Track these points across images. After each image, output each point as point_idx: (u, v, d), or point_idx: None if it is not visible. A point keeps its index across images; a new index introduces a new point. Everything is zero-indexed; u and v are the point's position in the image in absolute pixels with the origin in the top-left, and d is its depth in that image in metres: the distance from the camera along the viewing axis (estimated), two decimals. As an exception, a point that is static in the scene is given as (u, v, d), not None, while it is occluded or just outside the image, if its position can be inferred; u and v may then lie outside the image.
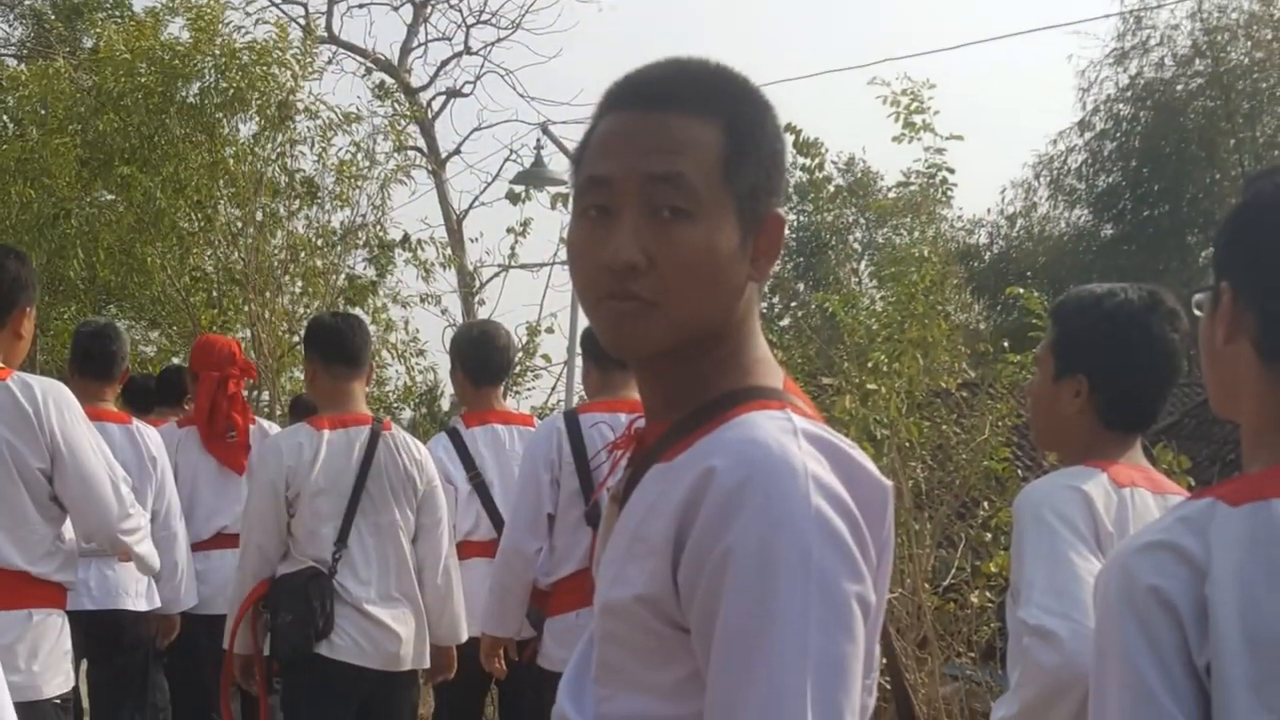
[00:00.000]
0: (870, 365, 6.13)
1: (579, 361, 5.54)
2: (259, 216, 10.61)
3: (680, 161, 1.41)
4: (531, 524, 4.23)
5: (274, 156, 10.84)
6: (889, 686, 1.90)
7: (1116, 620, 1.34)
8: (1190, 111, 28.16)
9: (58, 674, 3.66)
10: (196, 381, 5.65)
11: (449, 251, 12.16)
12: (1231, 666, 1.28)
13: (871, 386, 6.00)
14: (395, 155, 11.46)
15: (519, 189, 11.60)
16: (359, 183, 10.94)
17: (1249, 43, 27.19)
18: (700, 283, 1.42)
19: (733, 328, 1.47)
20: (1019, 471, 6.53)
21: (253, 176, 10.58)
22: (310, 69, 11.24)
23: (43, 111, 12.23)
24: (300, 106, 10.86)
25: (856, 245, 25.73)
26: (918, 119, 6.93)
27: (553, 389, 11.54)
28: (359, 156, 10.96)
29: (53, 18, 19.22)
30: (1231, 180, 26.32)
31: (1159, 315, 2.52)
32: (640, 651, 1.41)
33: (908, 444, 6.05)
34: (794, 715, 1.28)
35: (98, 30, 13.77)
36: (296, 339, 9.88)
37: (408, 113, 12.80)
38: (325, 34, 15.97)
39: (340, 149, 11.02)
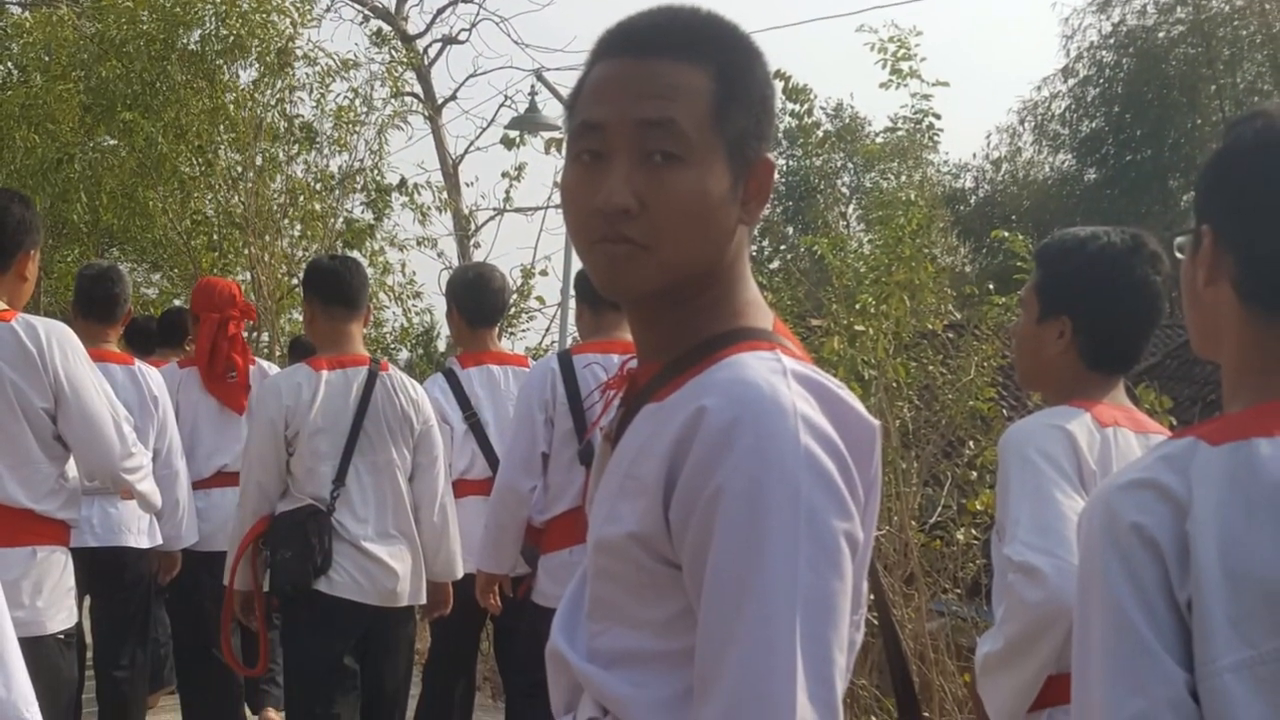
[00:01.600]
0: (858, 307, 6.15)
1: (572, 303, 5.54)
2: (259, 161, 10.64)
3: (671, 107, 1.42)
4: (526, 463, 4.27)
5: (273, 102, 10.87)
6: (876, 622, 1.93)
7: (1099, 557, 1.35)
8: (1172, 58, 28.24)
9: (61, 610, 3.70)
10: (197, 323, 5.65)
11: (445, 195, 12.16)
12: (1212, 602, 1.28)
13: (859, 328, 6.02)
14: (392, 101, 11.54)
15: (514, 134, 11.59)
16: (357, 128, 11.00)
17: (1229, -10, 27.22)
18: (691, 226, 1.43)
19: (723, 270, 1.49)
20: (1004, 411, 6.58)
21: (252, 122, 10.60)
22: (309, 16, 11.27)
23: (46, 58, 12.24)
24: (299, 53, 10.90)
25: (845, 189, 25.72)
26: (904, 66, 6.97)
27: (547, 330, 11.60)
28: (357, 102, 11.02)
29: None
30: (1212, 125, 26.43)
31: (1141, 258, 2.54)
32: (633, 588, 1.43)
33: (895, 384, 6.08)
34: (783, 651, 1.29)
35: (101, -22, 13.70)
36: (295, 281, 9.91)
37: (404, 59, 12.80)
38: (323, -18, 15.84)
39: (338, 95, 11.10)
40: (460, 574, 4.58)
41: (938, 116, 7.34)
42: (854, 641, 1.44)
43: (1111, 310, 2.53)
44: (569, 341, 9.61)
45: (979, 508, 5.62)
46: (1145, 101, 28.22)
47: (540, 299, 11.22)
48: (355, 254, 9.91)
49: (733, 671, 1.31)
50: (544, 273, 11.09)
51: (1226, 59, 27.96)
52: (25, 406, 3.59)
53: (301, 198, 10.83)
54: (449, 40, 16.61)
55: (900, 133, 7.79)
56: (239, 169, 10.85)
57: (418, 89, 15.27)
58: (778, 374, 1.39)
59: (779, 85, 6.39)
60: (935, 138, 7.59)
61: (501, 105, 15.12)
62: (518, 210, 12.40)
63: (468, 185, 14.95)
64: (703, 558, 1.34)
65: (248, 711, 5.78)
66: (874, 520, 1.48)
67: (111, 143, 11.82)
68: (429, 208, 11.51)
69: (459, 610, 4.66)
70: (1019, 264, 5.87)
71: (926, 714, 5.40)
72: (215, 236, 11.15)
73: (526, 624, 4.34)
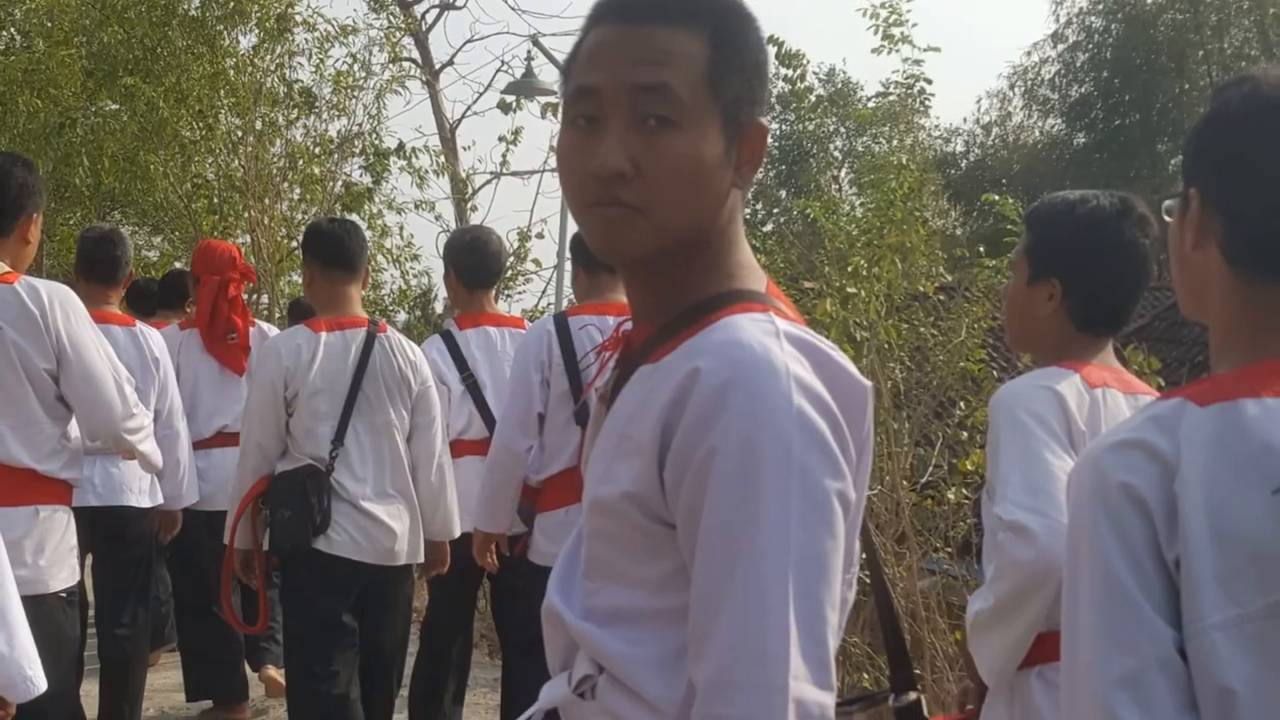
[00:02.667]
0: (850, 269, 6.16)
1: (568, 266, 5.55)
2: (258, 125, 10.68)
3: (666, 72, 1.43)
4: (522, 423, 4.29)
5: (273, 67, 10.92)
6: (868, 580, 1.95)
7: (1089, 516, 1.35)
8: (1160, 24, 28.34)
9: (63, 568, 3.73)
10: (198, 285, 5.68)
11: (442, 159, 12.13)
12: (1199, 561, 1.29)
13: (851, 290, 6.04)
14: (390, 66, 11.60)
15: (510, 99, 11.55)
16: (355, 93, 11.06)
17: (1217, -44, 27.26)
18: (685, 189, 1.44)
19: (717, 233, 1.50)
20: (994, 372, 6.60)
21: (252, 87, 10.62)
22: (308, -18, 11.24)
23: (49, 24, 12.29)
24: (298, 19, 10.92)
25: (837, 153, 25.68)
26: (896, 31, 6.99)
27: (543, 292, 11.62)
28: (355, 67, 11.08)
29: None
30: (1200, 90, 26.53)
31: (1130, 221, 2.55)
32: (628, 547, 1.45)
33: (886, 345, 6.11)
34: (776, 608, 1.31)
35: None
36: (295, 244, 9.96)
37: (402, 25, 12.83)
38: (322, -52, 15.81)
39: (337, 60, 11.16)
40: (458, 533, 4.61)
41: (929, 81, 7.40)
42: (846, 600, 1.46)
43: (1100, 272, 2.55)
44: (565, 304, 9.61)
45: (970, 467, 5.65)
46: (1134, 66, 28.33)
47: (536, 261, 11.24)
48: (354, 217, 9.94)
49: (726, 629, 1.32)
50: (540, 235, 11.10)
51: (1214, 24, 28.02)
52: (28, 367, 3.61)
53: (301, 161, 10.87)
54: (446, 6, 16.56)
55: (892, 97, 7.83)
56: (239, 133, 10.88)
57: (415, 54, 15.26)
58: (771, 335, 1.40)
59: (772, 50, 6.44)
60: (926, 102, 7.63)
61: (498, 70, 15.16)
62: (514, 174, 12.39)
63: (465, 149, 14.92)
64: (696, 517, 1.36)
65: (248, 669, 5.83)
66: (866, 480, 1.50)
67: (113, 107, 11.86)
68: (426, 171, 11.52)
69: (456, 569, 4.69)
70: (1009, 227, 5.90)
71: (917, 671, 5.44)
72: (215, 200, 11.18)
73: (523, 582, 4.37)
